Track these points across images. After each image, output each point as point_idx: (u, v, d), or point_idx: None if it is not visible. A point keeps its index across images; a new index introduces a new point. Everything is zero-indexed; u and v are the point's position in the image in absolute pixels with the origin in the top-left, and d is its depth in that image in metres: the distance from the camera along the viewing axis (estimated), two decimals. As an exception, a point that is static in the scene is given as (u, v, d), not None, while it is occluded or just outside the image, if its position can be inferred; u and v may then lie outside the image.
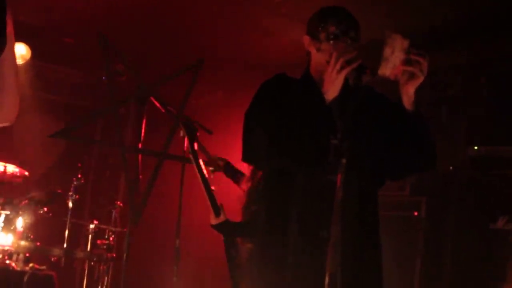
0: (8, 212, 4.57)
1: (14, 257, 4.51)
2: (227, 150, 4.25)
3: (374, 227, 2.31)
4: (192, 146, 3.37)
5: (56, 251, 4.66)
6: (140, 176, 3.48)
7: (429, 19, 4.52)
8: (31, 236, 4.63)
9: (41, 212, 4.77)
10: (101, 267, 4.96)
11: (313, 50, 2.33)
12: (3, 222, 4.53)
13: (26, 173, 5.08)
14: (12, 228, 4.55)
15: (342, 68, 2.08)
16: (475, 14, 4.37)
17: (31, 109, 6.00)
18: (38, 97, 6.29)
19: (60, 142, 6.30)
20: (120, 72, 4.89)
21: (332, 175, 2.04)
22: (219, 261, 3.75)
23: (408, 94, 2.19)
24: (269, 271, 2.24)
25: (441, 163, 2.65)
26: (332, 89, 2.12)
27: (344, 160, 2.02)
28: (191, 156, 3.30)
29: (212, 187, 3.37)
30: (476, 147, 4.43)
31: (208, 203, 3.27)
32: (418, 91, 2.19)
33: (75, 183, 4.80)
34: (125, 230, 4.52)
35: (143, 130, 3.65)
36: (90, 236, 4.91)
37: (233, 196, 3.76)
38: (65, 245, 4.67)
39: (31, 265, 4.52)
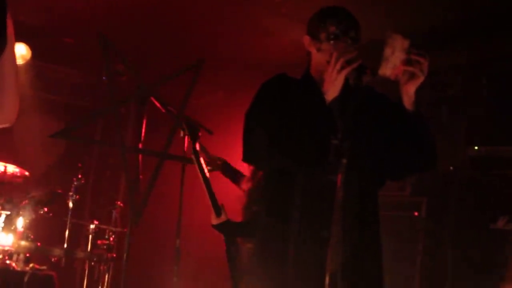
0: (8, 212, 4.57)
1: (15, 257, 4.52)
2: (228, 150, 4.25)
3: (374, 227, 2.31)
4: (194, 146, 3.36)
5: (57, 251, 4.66)
6: (141, 176, 3.47)
7: (429, 19, 4.52)
8: (32, 236, 4.63)
9: (42, 212, 4.77)
10: (101, 267, 4.97)
11: (313, 50, 2.33)
12: (3, 222, 4.53)
13: (26, 173, 5.08)
14: (12, 228, 4.55)
15: (342, 68, 2.08)
16: (475, 14, 4.37)
17: (31, 109, 6.00)
18: (38, 97, 6.30)
19: (60, 142, 6.29)
20: (120, 72, 4.90)
21: (333, 175, 2.04)
22: (220, 261, 3.75)
23: (409, 94, 2.19)
24: (270, 270, 2.24)
25: (441, 163, 2.64)
26: (332, 89, 2.12)
27: (344, 160, 2.02)
28: (193, 156, 3.30)
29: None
30: (476, 147, 4.43)
31: (209, 203, 3.27)
32: (418, 91, 2.19)
33: (75, 183, 4.80)
34: (125, 230, 4.51)
35: (143, 130, 3.64)
36: (90, 236, 4.92)
37: (233, 196, 3.76)
38: (65, 245, 4.68)
39: (31, 265, 4.52)
